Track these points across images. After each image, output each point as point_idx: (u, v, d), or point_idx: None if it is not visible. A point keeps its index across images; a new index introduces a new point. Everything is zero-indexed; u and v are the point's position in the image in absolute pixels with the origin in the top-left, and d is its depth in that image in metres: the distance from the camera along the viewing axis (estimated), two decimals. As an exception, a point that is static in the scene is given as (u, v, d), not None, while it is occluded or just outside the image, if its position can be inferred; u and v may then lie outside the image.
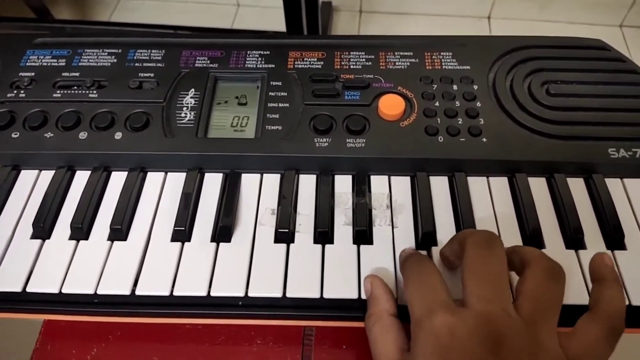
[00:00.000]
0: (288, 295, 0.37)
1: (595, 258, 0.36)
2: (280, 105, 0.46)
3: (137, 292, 0.37)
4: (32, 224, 0.40)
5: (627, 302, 0.36)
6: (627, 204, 0.42)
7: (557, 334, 0.30)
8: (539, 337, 0.28)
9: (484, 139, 0.43)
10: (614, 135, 0.44)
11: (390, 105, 0.45)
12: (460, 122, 0.44)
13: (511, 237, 0.40)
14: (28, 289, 0.38)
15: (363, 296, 0.37)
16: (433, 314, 0.29)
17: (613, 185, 0.43)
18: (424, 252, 0.39)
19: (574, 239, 0.39)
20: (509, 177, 0.43)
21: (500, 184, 0.43)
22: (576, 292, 0.37)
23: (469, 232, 0.33)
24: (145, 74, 0.48)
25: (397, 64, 0.49)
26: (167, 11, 1.68)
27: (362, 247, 0.39)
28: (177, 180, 0.43)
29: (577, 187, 0.43)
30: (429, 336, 0.28)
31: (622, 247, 0.40)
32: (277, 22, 1.36)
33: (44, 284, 0.38)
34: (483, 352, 0.27)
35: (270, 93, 0.47)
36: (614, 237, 0.39)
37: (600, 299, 0.32)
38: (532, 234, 0.39)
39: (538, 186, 0.42)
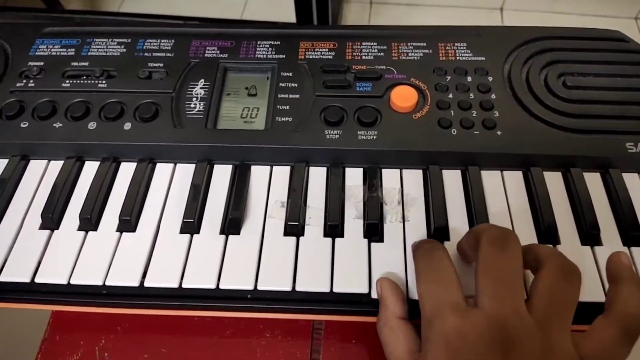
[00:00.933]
0: (297, 289, 0.37)
1: (612, 257, 0.35)
2: (291, 96, 0.45)
3: (146, 284, 0.37)
4: (41, 215, 0.40)
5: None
6: (645, 199, 0.41)
7: (572, 334, 0.29)
8: (551, 339, 0.28)
9: (499, 132, 0.42)
10: (632, 129, 0.43)
11: (403, 97, 0.44)
12: (474, 115, 0.43)
13: (526, 232, 0.39)
14: (37, 280, 0.37)
15: (373, 291, 0.36)
16: (443, 316, 0.28)
17: (631, 180, 0.42)
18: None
19: (589, 235, 0.38)
20: (523, 172, 0.42)
21: (515, 178, 0.42)
22: (591, 290, 0.36)
23: (486, 227, 0.32)
24: (154, 64, 0.47)
25: (409, 54, 0.48)
26: (176, 2, 1.67)
27: (373, 244, 0.38)
28: (186, 171, 0.43)
29: (593, 182, 0.42)
30: (439, 339, 0.28)
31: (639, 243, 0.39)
32: (286, 12, 1.35)
33: (53, 274, 0.38)
34: (494, 355, 0.26)
35: (280, 84, 0.46)
36: (631, 234, 0.39)
37: (616, 299, 0.31)
38: (547, 230, 0.38)
39: (553, 181, 0.42)
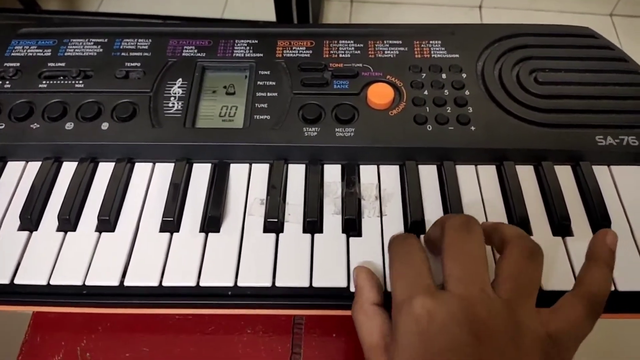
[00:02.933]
0: (277, 284, 0.37)
1: (598, 236, 0.35)
2: (269, 94, 0.46)
3: (126, 283, 0.37)
4: (19, 216, 0.40)
5: (612, 288, 0.37)
6: (614, 191, 0.42)
7: (538, 310, 0.30)
8: (518, 316, 0.29)
9: (473, 128, 0.43)
10: (602, 123, 0.44)
11: (379, 94, 0.45)
12: (449, 111, 0.44)
13: (499, 224, 0.40)
14: (16, 281, 0.37)
15: (352, 285, 0.37)
16: (413, 298, 0.29)
17: (600, 172, 0.43)
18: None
19: (561, 225, 0.40)
20: (497, 165, 0.43)
21: (489, 172, 0.43)
22: (562, 278, 0.37)
23: (449, 216, 0.33)
24: (131, 64, 0.47)
25: (386, 52, 0.49)
26: (155, 1, 1.66)
27: (352, 239, 0.39)
28: (165, 170, 0.43)
29: (564, 174, 0.43)
30: (408, 320, 0.28)
31: (609, 233, 0.40)
32: (267, 11, 1.35)
33: (32, 275, 0.37)
34: (463, 334, 0.27)
35: (258, 82, 0.46)
36: (601, 224, 0.40)
37: (587, 277, 0.32)
38: (519, 222, 0.40)
39: (526, 174, 0.43)
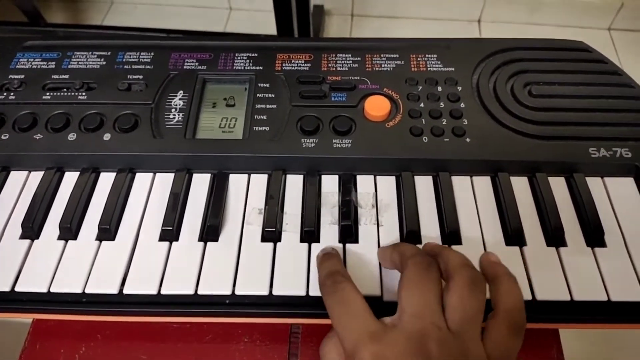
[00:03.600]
0: (275, 293, 0.38)
1: (481, 260, 0.37)
2: (268, 106, 0.47)
3: (125, 291, 0.38)
4: (21, 224, 0.41)
5: (605, 298, 0.37)
6: (607, 202, 0.43)
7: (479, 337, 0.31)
8: (466, 345, 0.30)
9: (468, 139, 0.44)
10: (595, 135, 0.45)
11: (376, 107, 0.45)
12: (444, 123, 0.45)
13: (493, 235, 0.41)
14: (17, 289, 0.38)
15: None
16: (360, 349, 0.29)
17: (594, 184, 0.44)
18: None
19: (554, 236, 0.40)
20: (491, 177, 0.44)
21: (484, 183, 0.44)
22: (558, 289, 0.38)
23: (412, 254, 0.34)
24: (134, 76, 0.48)
25: (382, 65, 0.50)
26: (159, 15, 1.68)
27: (348, 245, 0.40)
28: (165, 180, 0.44)
29: (558, 186, 0.43)
30: None
31: (602, 244, 0.40)
32: (269, 25, 1.37)
33: (33, 283, 0.38)
34: None
35: (258, 95, 0.47)
36: (594, 235, 0.40)
37: (498, 297, 0.33)
38: (513, 232, 0.40)
39: (520, 185, 0.43)
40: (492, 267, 0.35)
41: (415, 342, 0.29)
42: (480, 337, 0.31)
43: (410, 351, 0.29)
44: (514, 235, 0.40)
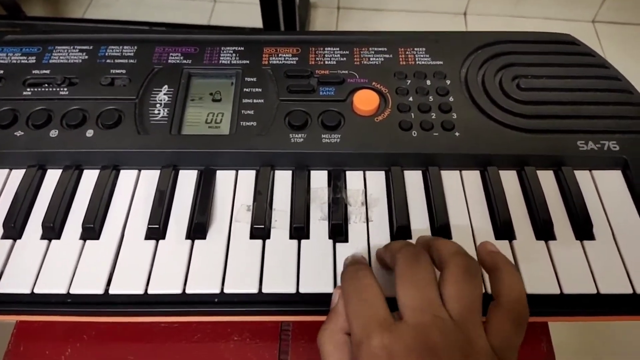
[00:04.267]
0: (264, 290, 0.37)
1: (479, 250, 0.36)
2: (255, 101, 0.46)
3: (111, 291, 0.37)
4: (3, 224, 0.40)
5: (595, 291, 0.37)
6: (595, 195, 0.43)
7: (481, 325, 0.31)
8: (469, 335, 0.29)
9: (457, 133, 0.44)
10: (583, 128, 0.45)
11: (365, 101, 0.45)
12: (433, 117, 0.45)
13: (483, 228, 0.40)
14: (-1, 290, 0.37)
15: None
16: (370, 336, 0.29)
17: (582, 177, 0.44)
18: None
19: (543, 230, 0.40)
20: (481, 171, 0.44)
21: (473, 177, 0.44)
22: (547, 282, 0.38)
23: (398, 248, 0.34)
24: (117, 71, 0.47)
25: (371, 59, 0.49)
26: (141, 7, 1.65)
27: (338, 244, 0.39)
28: (151, 177, 0.43)
29: (547, 179, 0.43)
30: (368, 358, 0.29)
31: (591, 237, 0.40)
32: (254, 18, 1.35)
33: (16, 284, 0.37)
34: None
35: (245, 89, 0.47)
36: (583, 228, 0.40)
37: (500, 288, 0.33)
38: (503, 226, 0.40)
39: (509, 179, 0.43)
40: (490, 256, 0.35)
41: (420, 335, 0.29)
42: (482, 325, 0.30)
43: (417, 345, 0.28)
44: (503, 229, 0.40)
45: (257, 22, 1.28)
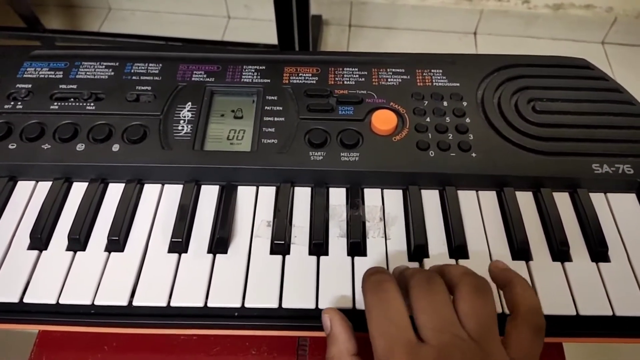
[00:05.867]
0: (284, 306, 0.38)
1: (491, 269, 0.37)
2: (276, 119, 0.47)
3: (135, 303, 0.38)
4: (30, 235, 0.41)
5: (610, 313, 0.38)
6: (610, 217, 0.43)
7: (500, 340, 0.32)
8: (488, 350, 0.30)
9: (473, 154, 0.45)
10: (598, 152, 0.46)
11: (383, 120, 0.46)
12: (450, 138, 0.46)
13: (500, 249, 0.41)
14: (25, 300, 0.38)
15: (358, 305, 0.38)
16: (395, 357, 0.30)
17: (597, 199, 0.44)
18: (415, 264, 0.40)
19: (560, 251, 0.41)
20: (497, 191, 0.45)
21: (489, 197, 0.44)
22: (563, 303, 0.38)
23: (411, 273, 0.34)
24: (142, 87, 0.49)
25: (389, 80, 0.50)
26: (157, 22, 1.68)
27: (356, 258, 0.40)
28: (174, 192, 0.44)
29: (562, 201, 0.44)
30: None
31: (606, 259, 0.41)
32: (266, 34, 1.38)
33: (42, 294, 0.38)
34: None
35: (266, 107, 0.48)
36: (598, 250, 0.41)
37: (515, 300, 0.33)
38: (519, 247, 0.41)
39: (525, 200, 0.44)
40: (502, 273, 0.36)
41: (444, 356, 0.29)
42: (499, 340, 0.31)
43: None
44: (520, 250, 0.41)
45: (269, 38, 1.30)
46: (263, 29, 1.56)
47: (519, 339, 0.31)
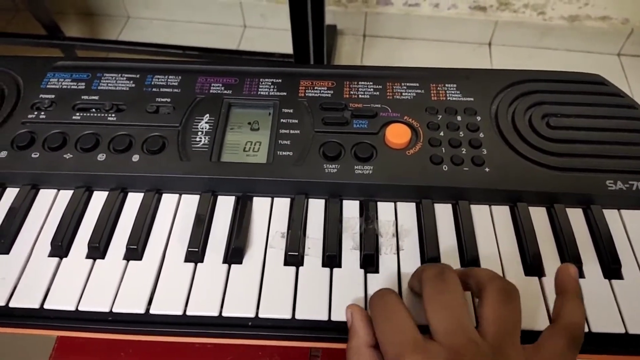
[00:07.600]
0: (297, 317, 0.38)
1: (561, 269, 0.37)
2: (292, 131, 0.48)
3: (152, 311, 0.38)
4: (50, 243, 0.42)
5: (623, 331, 0.38)
6: (624, 234, 0.44)
7: (523, 347, 0.31)
8: (507, 357, 0.30)
9: (487, 169, 0.45)
10: (612, 168, 0.46)
11: (397, 134, 0.47)
12: (464, 152, 0.46)
13: (512, 264, 0.41)
14: (45, 306, 0.39)
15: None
16: (403, 357, 0.30)
17: (611, 216, 0.44)
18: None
19: (573, 267, 0.41)
20: (510, 206, 0.45)
21: (503, 212, 0.45)
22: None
23: (424, 267, 0.35)
24: (162, 99, 0.50)
25: (403, 94, 0.51)
26: (174, 30, 1.71)
27: (369, 275, 0.40)
28: (191, 202, 0.45)
29: (576, 217, 0.44)
30: None
31: (619, 276, 0.41)
32: (282, 44, 1.39)
33: (61, 301, 0.39)
34: None
35: (281, 120, 0.49)
36: (612, 267, 0.41)
37: (563, 311, 0.34)
38: (532, 262, 0.41)
39: (539, 216, 0.44)
40: (567, 280, 0.36)
41: (454, 357, 0.29)
42: (521, 349, 0.31)
43: None
44: (533, 266, 0.41)
45: (284, 47, 1.32)
46: (279, 38, 1.57)
47: (554, 346, 0.31)
